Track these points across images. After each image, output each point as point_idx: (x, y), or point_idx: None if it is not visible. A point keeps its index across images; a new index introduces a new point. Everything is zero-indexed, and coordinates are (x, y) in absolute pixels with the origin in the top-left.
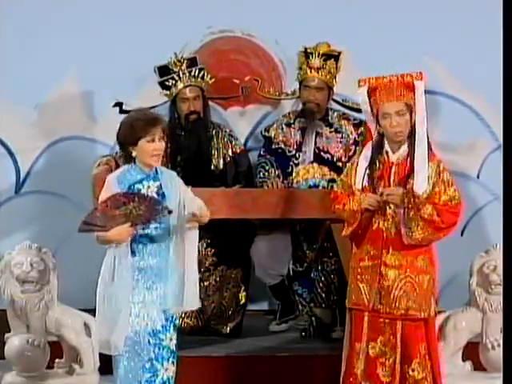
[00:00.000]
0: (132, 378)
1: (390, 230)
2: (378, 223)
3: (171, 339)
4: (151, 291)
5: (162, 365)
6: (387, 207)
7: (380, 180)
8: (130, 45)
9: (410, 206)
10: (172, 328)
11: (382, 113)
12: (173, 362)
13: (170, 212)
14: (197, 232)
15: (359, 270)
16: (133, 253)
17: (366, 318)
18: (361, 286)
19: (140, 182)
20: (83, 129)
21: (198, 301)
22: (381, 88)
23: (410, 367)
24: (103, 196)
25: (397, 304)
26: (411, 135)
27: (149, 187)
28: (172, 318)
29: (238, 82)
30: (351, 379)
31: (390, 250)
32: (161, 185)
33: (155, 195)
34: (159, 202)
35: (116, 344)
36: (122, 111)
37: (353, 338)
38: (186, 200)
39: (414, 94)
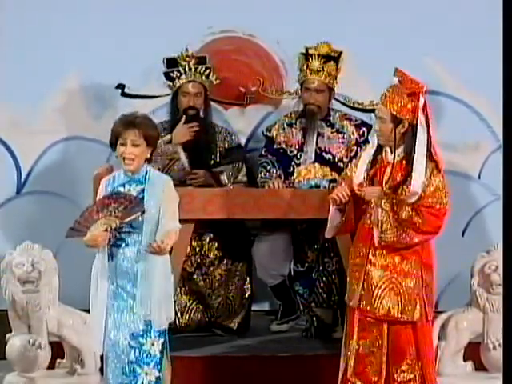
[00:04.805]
0: (112, 379)
1: None
2: (369, 223)
3: (153, 344)
4: (130, 295)
5: (143, 369)
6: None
7: (375, 178)
8: (131, 45)
9: (385, 207)
10: (153, 333)
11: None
12: (155, 367)
13: (143, 212)
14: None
15: (352, 267)
16: (111, 256)
17: (356, 316)
18: (353, 282)
19: (123, 185)
20: (84, 129)
21: (165, 321)
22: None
23: (399, 368)
24: (95, 200)
25: (378, 304)
26: (400, 144)
27: (129, 190)
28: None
29: (242, 88)
30: (345, 376)
31: (377, 250)
32: (143, 189)
33: None
34: (136, 201)
35: (96, 344)
36: (123, 94)
37: (348, 334)
38: (164, 213)
39: (414, 103)
